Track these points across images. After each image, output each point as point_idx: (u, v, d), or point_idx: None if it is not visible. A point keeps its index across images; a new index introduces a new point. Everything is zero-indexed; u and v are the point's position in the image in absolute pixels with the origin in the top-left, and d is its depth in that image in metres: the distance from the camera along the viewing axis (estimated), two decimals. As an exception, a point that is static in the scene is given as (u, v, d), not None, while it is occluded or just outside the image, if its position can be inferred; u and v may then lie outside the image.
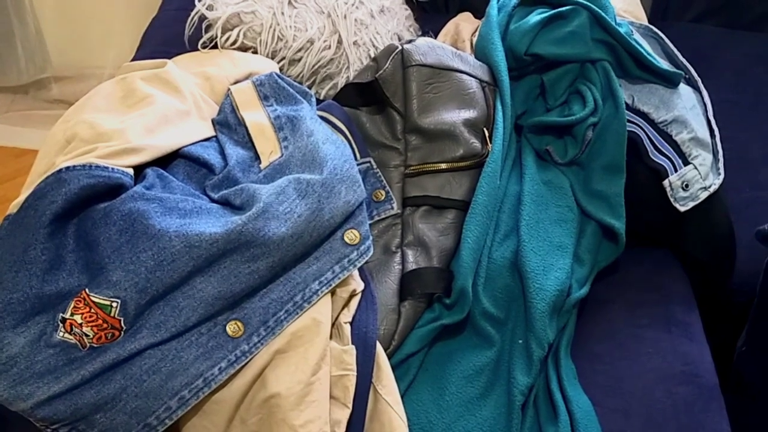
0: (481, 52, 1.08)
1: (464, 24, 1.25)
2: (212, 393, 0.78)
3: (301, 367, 0.78)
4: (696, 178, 1.01)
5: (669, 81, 1.05)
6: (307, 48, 1.12)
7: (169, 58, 1.04)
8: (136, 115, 0.90)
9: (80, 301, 0.76)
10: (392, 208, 0.96)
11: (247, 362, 0.79)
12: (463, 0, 1.45)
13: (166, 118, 0.91)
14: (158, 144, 0.88)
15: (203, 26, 1.13)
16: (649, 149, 1.01)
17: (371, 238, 0.88)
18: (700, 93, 1.11)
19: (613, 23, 1.03)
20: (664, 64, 1.07)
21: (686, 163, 1.02)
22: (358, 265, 0.85)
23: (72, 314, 0.76)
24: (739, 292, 1.10)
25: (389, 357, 0.86)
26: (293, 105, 0.97)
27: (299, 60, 1.12)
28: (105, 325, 0.76)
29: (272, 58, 1.11)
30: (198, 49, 1.11)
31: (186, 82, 0.98)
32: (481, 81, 1.03)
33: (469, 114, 0.99)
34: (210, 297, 0.78)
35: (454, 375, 0.88)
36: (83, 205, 0.80)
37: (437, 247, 0.92)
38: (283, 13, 1.11)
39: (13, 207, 0.80)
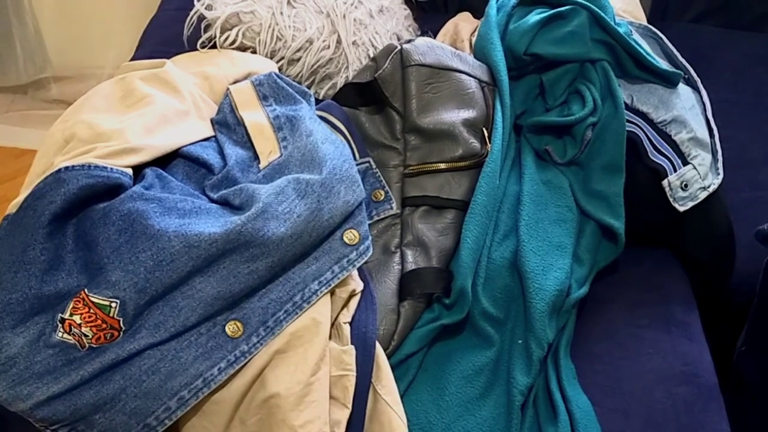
0: (480, 51, 1.08)
1: (463, 24, 1.25)
2: (212, 393, 0.78)
3: (301, 368, 0.78)
4: (695, 178, 1.01)
5: (668, 81, 1.05)
6: (306, 48, 1.12)
7: (168, 57, 1.04)
8: (135, 115, 0.90)
9: (79, 302, 0.76)
10: (391, 208, 0.96)
11: (247, 362, 0.79)
12: (462, 0, 1.45)
13: (165, 118, 0.91)
14: (157, 144, 0.88)
15: (202, 26, 1.12)
16: (648, 149, 1.01)
17: (370, 238, 0.88)
18: (699, 93, 1.11)
19: (613, 23, 1.03)
20: (663, 64, 1.07)
21: (685, 163, 1.02)
22: (358, 265, 0.85)
23: (71, 314, 0.76)
24: (738, 291, 1.10)
25: (389, 357, 0.85)
26: (292, 105, 0.97)
27: (298, 60, 1.12)
28: (104, 326, 0.76)
29: (271, 58, 1.11)
30: (197, 49, 1.11)
31: (185, 82, 0.98)
32: (480, 81, 1.03)
33: (468, 114, 0.99)
34: (209, 297, 0.78)
35: (453, 375, 0.88)
36: (82, 205, 0.80)
37: (436, 247, 0.92)
38: (282, 13, 1.11)
39: (12, 207, 0.80)
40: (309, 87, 1.14)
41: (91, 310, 0.76)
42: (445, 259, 0.93)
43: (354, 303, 0.85)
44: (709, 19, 1.50)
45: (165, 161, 0.90)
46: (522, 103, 1.06)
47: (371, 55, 1.15)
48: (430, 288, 0.90)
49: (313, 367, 0.78)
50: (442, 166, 0.97)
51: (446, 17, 1.30)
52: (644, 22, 1.21)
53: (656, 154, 1.01)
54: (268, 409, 0.77)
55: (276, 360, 0.79)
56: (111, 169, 0.81)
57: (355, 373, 0.80)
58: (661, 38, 1.15)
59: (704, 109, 1.09)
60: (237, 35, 1.09)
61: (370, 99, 1.03)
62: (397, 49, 1.01)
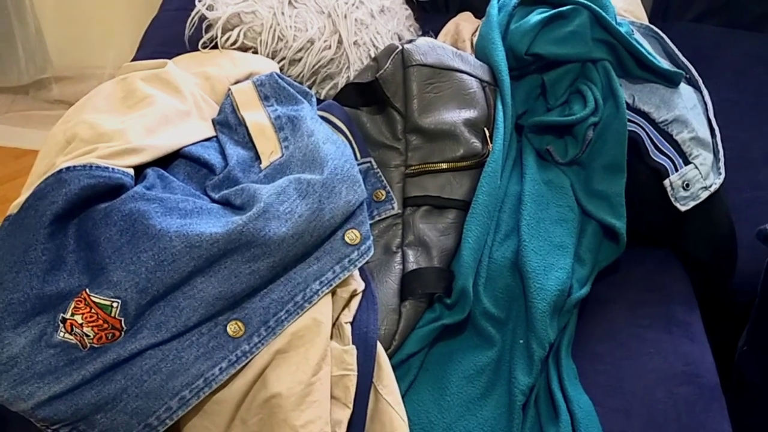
0: (481, 51, 1.08)
1: (464, 24, 1.25)
2: (213, 393, 0.78)
3: (302, 368, 0.78)
4: (697, 177, 1.01)
5: (670, 81, 1.05)
6: (307, 48, 1.12)
7: (170, 58, 1.04)
8: (136, 116, 0.90)
9: (81, 302, 0.76)
10: (393, 208, 0.96)
11: (248, 362, 0.79)
12: (463, 0, 1.45)
13: (166, 118, 0.91)
14: (159, 144, 0.88)
15: (203, 26, 1.13)
16: (649, 149, 1.01)
17: (372, 238, 0.88)
18: (701, 92, 1.11)
19: (614, 23, 1.03)
20: (664, 64, 1.07)
21: (687, 162, 1.02)
22: (359, 265, 0.85)
23: (72, 314, 0.76)
24: (740, 291, 1.10)
25: (390, 357, 0.85)
26: (294, 105, 0.97)
27: (299, 60, 1.12)
28: (105, 326, 0.76)
29: (272, 58, 1.11)
30: (198, 49, 1.11)
31: (186, 82, 0.98)
32: (481, 81, 1.03)
33: (469, 114, 0.99)
34: (210, 297, 0.78)
35: (454, 375, 0.88)
36: (84, 206, 0.80)
37: (438, 247, 0.92)
38: (283, 13, 1.11)
39: (14, 207, 0.80)
40: (310, 87, 1.14)
41: (93, 310, 0.76)
42: (447, 259, 0.93)
43: (355, 303, 0.85)
44: (711, 19, 1.50)
45: (166, 161, 0.90)
46: (523, 103, 1.06)
47: (372, 55, 1.15)
48: (431, 288, 0.90)
49: (315, 367, 0.78)
50: (444, 166, 0.97)
51: (447, 17, 1.30)
52: (645, 21, 1.21)
53: (658, 153, 1.01)
54: (270, 409, 0.77)
55: (277, 360, 0.79)
56: (112, 169, 0.81)
57: (356, 373, 0.80)
58: (662, 38, 1.15)
59: (706, 109, 1.09)
60: (238, 35, 1.09)
61: (371, 99, 1.03)
62: (398, 49, 1.01)
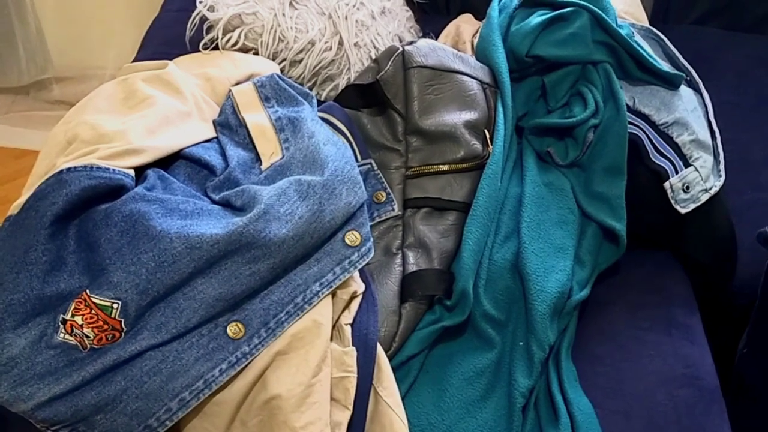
0: (482, 53, 1.08)
1: (465, 25, 1.25)
2: (213, 394, 0.78)
3: (302, 369, 0.78)
4: (697, 180, 1.01)
5: (670, 83, 1.05)
6: (308, 49, 1.12)
7: (170, 59, 1.04)
8: (137, 117, 0.90)
9: (81, 303, 0.76)
10: (393, 209, 0.96)
11: (248, 364, 0.79)
12: (464, 1, 1.46)
13: (167, 119, 0.91)
14: (159, 145, 0.88)
15: (204, 27, 1.13)
16: (650, 151, 1.01)
17: (372, 239, 0.88)
18: (701, 95, 1.11)
19: (614, 25, 1.03)
20: (665, 66, 1.07)
21: (687, 164, 1.02)
22: (359, 266, 0.85)
23: (73, 315, 0.76)
24: (740, 294, 1.10)
25: (390, 359, 0.85)
26: (294, 106, 0.97)
27: (300, 61, 1.12)
28: (106, 327, 0.76)
29: (273, 60, 1.11)
30: (199, 51, 1.11)
31: (187, 83, 0.98)
32: (482, 82, 1.03)
33: (470, 115, 0.99)
34: (211, 298, 0.78)
35: (454, 377, 0.88)
36: (84, 207, 0.80)
37: (438, 249, 0.92)
38: (284, 15, 1.11)
39: (14, 208, 0.80)
40: (311, 88, 1.14)
41: (93, 311, 0.76)
42: (447, 260, 0.93)
43: (355, 304, 0.85)
44: (711, 21, 1.50)
45: (167, 162, 0.90)
46: (524, 105, 1.06)
47: (373, 57, 1.15)
48: (431, 290, 0.90)
49: (315, 369, 0.78)
50: (444, 167, 0.97)
51: (448, 19, 1.30)
52: (646, 23, 1.21)
53: (658, 156, 1.01)
54: (270, 410, 0.77)
55: (277, 361, 0.79)
56: (113, 170, 0.82)
57: (356, 375, 0.80)
58: (662, 40, 1.15)
59: (706, 111, 1.09)
60: (239, 37, 1.10)
61: (371, 100, 1.03)
62: (399, 51, 1.01)
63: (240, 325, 0.79)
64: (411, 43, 1.04)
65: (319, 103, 1.04)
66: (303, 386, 0.77)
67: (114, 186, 0.81)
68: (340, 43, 1.14)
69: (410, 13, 1.32)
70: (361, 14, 1.17)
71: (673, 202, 1.01)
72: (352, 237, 0.86)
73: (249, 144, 0.94)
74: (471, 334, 0.92)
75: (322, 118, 0.98)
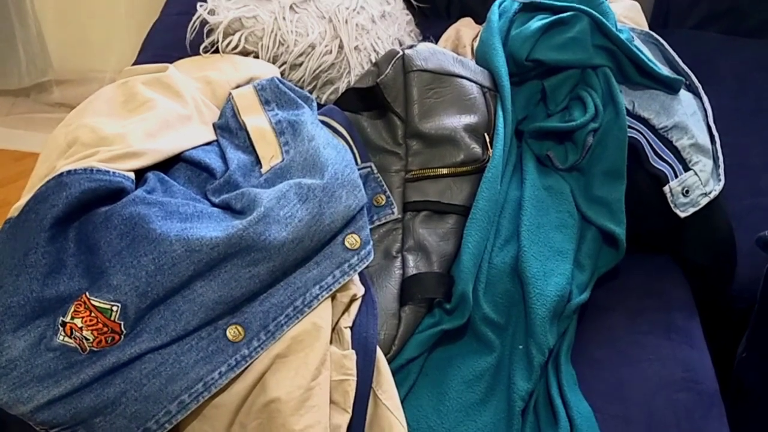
0: (482, 57, 1.08)
1: (465, 29, 1.25)
2: (212, 397, 0.78)
3: (302, 372, 0.78)
4: (696, 184, 1.01)
5: (670, 87, 1.06)
6: (308, 53, 1.12)
7: (171, 62, 1.04)
8: (137, 120, 0.90)
9: (80, 305, 0.76)
10: (393, 212, 0.96)
11: (247, 366, 0.79)
12: (464, 5, 1.46)
13: (167, 122, 0.91)
14: (159, 148, 0.88)
15: (205, 31, 1.13)
16: (649, 155, 1.01)
17: (372, 242, 0.88)
18: (701, 99, 1.11)
19: (614, 29, 1.03)
20: (664, 71, 1.07)
21: (687, 169, 1.02)
22: (359, 269, 0.86)
23: (72, 318, 0.76)
24: (739, 298, 1.10)
25: (389, 362, 0.85)
26: (294, 110, 0.97)
27: (300, 65, 1.12)
28: (105, 329, 0.76)
29: (273, 63, 1.11)
30: (199, 54, 1.11)
31: (187, 86, 0.98)
32: (482, 86, 1.03)
33: (470, 119, 0.99)
34: (210, 301, 0.78)
35: (454, 380, 0.88)
36: (84, 209, 0.80)
37: (438, 252, 0.92)
38: (284, 18, 1.11)
39: (14, 211, 0.80)
40: (311, 92, 1.14)
41: (93, 314, 0.76)
42: (446, 264, 0.93)
43: (355, 307, 0.85)
44: (711, 26, 1.50)
45: (167, 165, 0.90)
46: (523, 109, 1.06)
47: (373, 61, 1.15)
48: (431, 293, 0.90)
49: (314, 372, 0.78)
50: (444, 171, 0.97)
51: (448, 23, 1.30)
52: (646, 28, 1.21)
53: (657, 160, 1.02)
54: (269, 413, 0.77)
55: (277, 364, 0.79)
56: (113, 173, 0.82)
57: (355, 378, 0.80)
58: (662, 44, 1.16)
59: (705, 116, 1.09)
60: (239, 40, 1.10)
61: (371, 104, 1.03)
62: (399, 55, 1.02)
63: (239, 328, 0.79)
64: (411, 46, 1.04)
65: (319, 106, 1.04)
66: (302, 389, 0.77)
67: (114, 189, 0.81)
68: (341, 46, 1.14)
69: (410, 16, 1.32)
70: (362, 18, 1.17)
71: (672, 206, 1.01)
72: (351, 240, 0.86)
73: (249, 147, 0.94)
74: (470, 337, 0.92)
75: (322, 122, 0.99)
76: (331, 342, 0.82)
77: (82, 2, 1.85)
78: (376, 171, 0.98)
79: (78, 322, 0.76)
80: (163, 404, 0.76)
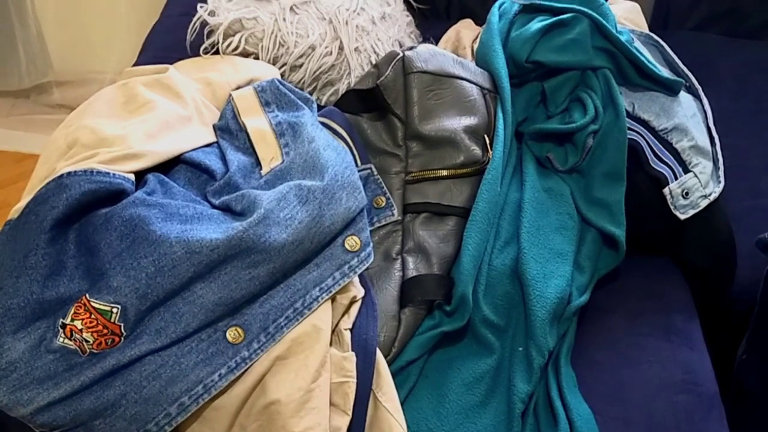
0: (482, 59, 1.08)
1: (465, 31, 1.25)
2: (212, 399, 0.78)
3: (302, 374, 0.78)
4: (696, 186, 1.01)
5: (669, 89, 1.06)
6: (308, 54, 1.12)
7: (171, 63, 1.04)
8: (137, 121, 0.90)
9: (80, 307, 0.76)
10: (393, 214, 0.96)
11: (247, 369, 0.79)
12: (464, 7, 1.46)
13: (167, 123, 0.91)
14: (159, 150, 0.88)
15: (205, 32, 1.13)
16: (649, 157, 1.01)
17: (372, 244, 0.88)
18: (701, 101, 1.11)
19: (614, 31, 1.03)
20: (664, 72, 1.07)
21: (686, 170, 1.02)
22: (359, 271, 0.86)
23: (72, 320, 0.76)
24: (739, 300, 1.10)
25: (389, 364, 0.85)
26: (294, 111, 0.97)
27: (300, 66, 1.12)
28: (105, 331, 0.76)
29: (273, 64, 1.11)
30: (200, 55, 1.11)
31: (187, 87, 0.98)
32: (482, 88, 1.03)
33: (470, 121, 0.99)
34: (210, 303, 0.78)
35: (454, 382, 0.88)
36: (84, 211, 0.80)
37: (438, 254, 0.92)
38: (284, 19, 1.12)
39: (14, 212, 0.80)
40: (311, 93, 1.14)
41: (93, 316, 0.76)
42: (446, 265, 0.93)
43: (355, 309, 0.85)
44: (711, 27, 1.50)
45: (167, 167, 0.90)
46: (523, 111, 1.06)
47: (373, 62, 1.15)
48: (431, 295, 0.90)
49: (314, 374, 0.78)
50: (444, 172, 0.97)
51: (448, 24, 1.30)
52: (646, 29, 1.21)
53: (657, 161, 1.02)
54: (269, 415, 0.77)
55: (277, 366, 0.79)
56: (113, 174, 0.82)
57: (355, 380, 0.80)
58: (662, 46, 1.16)
59: (705, 117, 1.10)
60: (240, 41, 1.10)
61: (372, 105, 1.03)
62: (399, 56, 1.02)
63: (239, 329, 0.79)
64: (411, 48, 1.04)
65: (320, 107, 1.04)
66: (302, 391, 0.77)
67: (114, 190, 0.81)
68: (341, 48, 1.14)
69: (410, 18, 1.32)
70: (362, 19, 1.17)
71: (672, 208, 1.01)
72: (351, 242, 0.86)
73: (249, 149, 0.94)
74: (470, 339, 0.92)
75: (322, 123, 0.99)
76: (331, 344, 0.82)
77: (82, 3, 1.85)
78: (376, 173, 0.98)
79: (78, 324, 0.76)
80: (163, 406, 0.76)
